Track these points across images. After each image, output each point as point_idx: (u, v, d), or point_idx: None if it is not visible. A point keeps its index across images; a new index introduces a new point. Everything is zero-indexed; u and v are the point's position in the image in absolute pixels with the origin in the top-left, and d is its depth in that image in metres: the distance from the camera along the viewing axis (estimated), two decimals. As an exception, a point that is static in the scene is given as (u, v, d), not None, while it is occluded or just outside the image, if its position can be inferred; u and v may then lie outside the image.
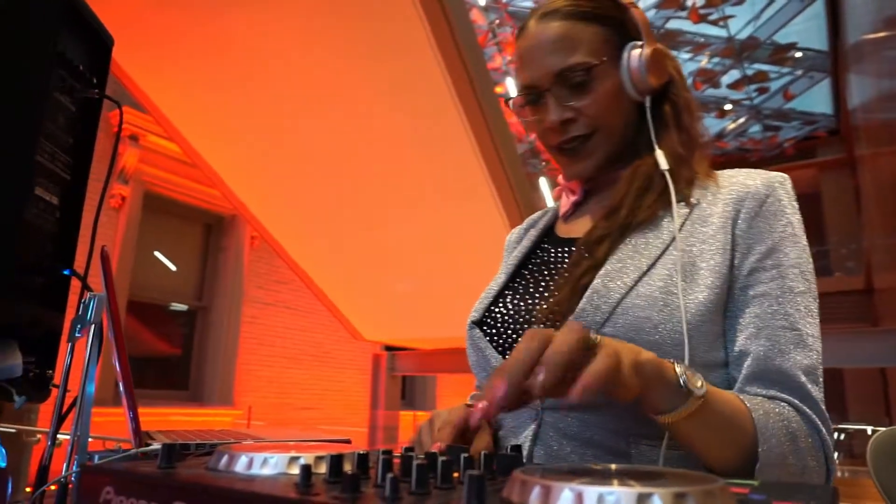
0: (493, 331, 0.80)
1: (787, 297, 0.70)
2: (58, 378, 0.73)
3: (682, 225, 0.74)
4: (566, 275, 0.76)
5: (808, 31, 10.17)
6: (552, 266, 0.83)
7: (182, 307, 7.58)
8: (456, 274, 5.24)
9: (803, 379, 0.67)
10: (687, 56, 10.43)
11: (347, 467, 0.42)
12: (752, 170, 0.79)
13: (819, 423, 0.66)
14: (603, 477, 0.34)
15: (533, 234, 0.92)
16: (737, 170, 0.80)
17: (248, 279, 7.92)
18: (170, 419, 6.35)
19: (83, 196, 0.78)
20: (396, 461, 0.42)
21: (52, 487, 0.54)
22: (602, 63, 0.78)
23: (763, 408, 0.63)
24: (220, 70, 4.35)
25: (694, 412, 0.57)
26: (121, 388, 0.69)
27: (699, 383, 0.58)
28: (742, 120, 11.95)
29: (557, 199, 0.95)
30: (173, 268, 7.49)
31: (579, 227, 0.85)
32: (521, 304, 0.80)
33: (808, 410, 0.66)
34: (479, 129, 4.49)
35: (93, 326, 0.69)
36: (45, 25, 0.67)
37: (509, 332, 0.78)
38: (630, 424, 0.67)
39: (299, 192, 5.49)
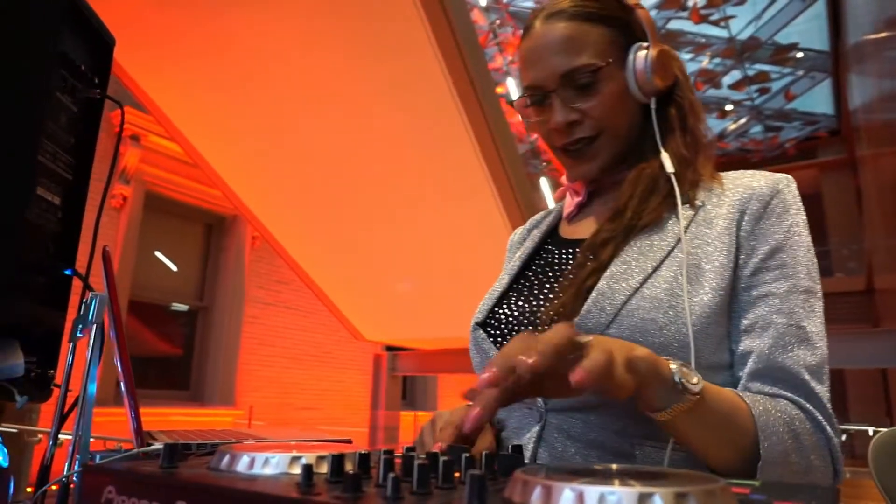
0: (497, 332, 0.80)
1: (792, 295, 0.69)
2: (59, 378, 0.73)
3: (687, 227, 0.74)
4: (571, 277, 0.76)
5: (809, 31, 10.16)
6: (556, 268, 0.83)
7: (183, 307, 7.57)
8: (457, 274, 5.24)
9: (807, 376, 0.66)
10: (688, 56, 10.40)
11: (349, 467, 0.42)
12: (757, 171, 0.78)
13: (823, 421, 0.65)
14: (604, 477, 0.34)
15: (536, 234, 0.91)
16: (741, 171, 0.80)
17: (249, 279, 7.91)
18: (171, 419, 6.35)
19: (85, 196, 0.78)
20: (398, 461, 0.42)
21: (54, 487, 0.54)
22: (608, 65, 0.78)
23: (764, 405, 0.63)
24: (220, 70, 4.35)
25: (690, 409, 0.57)
26: (122, 388, 0.69)
27: (695, 380, 0.57)
28: (743, 120, 11.93)
29: (560, 199, 0.95)
30: (174, 268, 7.49)
31: (584, 229, 0.85)
32: (526, 305, 0.79)
33: (811, 408, 0.65)
34: (479, 129, 4.48)
35: (94, 326, 0.70)
36: (47, 25, 0.67)
37: (513, 333, 0.78)
38: (634, 426, 0.67)
39: (300, 192, 5.48)
